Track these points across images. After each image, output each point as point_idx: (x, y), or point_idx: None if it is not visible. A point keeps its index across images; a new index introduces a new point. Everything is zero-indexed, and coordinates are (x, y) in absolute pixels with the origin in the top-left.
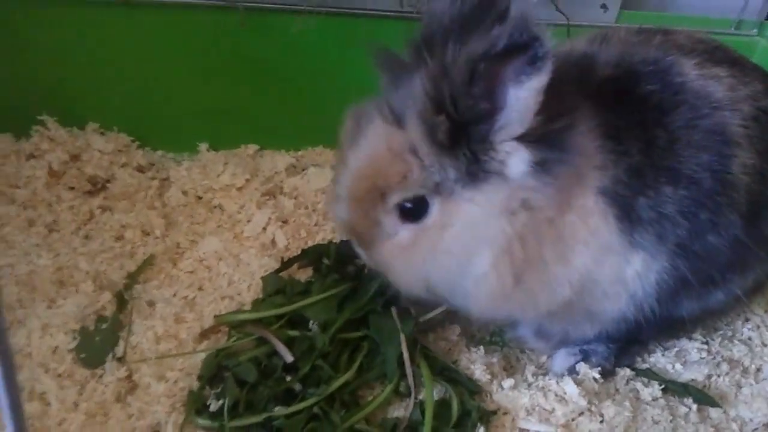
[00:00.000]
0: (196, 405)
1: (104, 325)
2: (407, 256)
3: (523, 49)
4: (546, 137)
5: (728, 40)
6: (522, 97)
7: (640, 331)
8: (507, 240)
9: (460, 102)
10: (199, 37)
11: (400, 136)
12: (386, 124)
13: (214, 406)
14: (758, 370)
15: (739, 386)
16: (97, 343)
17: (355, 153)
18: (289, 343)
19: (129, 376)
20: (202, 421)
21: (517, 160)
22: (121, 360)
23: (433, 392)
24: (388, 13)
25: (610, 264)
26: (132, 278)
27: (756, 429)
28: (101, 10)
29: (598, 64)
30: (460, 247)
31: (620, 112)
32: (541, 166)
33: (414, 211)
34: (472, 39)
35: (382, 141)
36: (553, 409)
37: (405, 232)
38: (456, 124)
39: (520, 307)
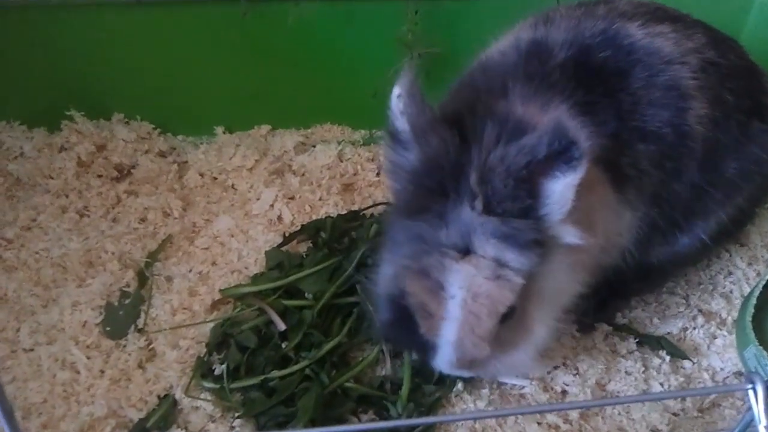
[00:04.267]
0: (202, 369)
1: (127, 301)
2: (509, 348)
3: (561, 153)
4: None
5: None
6: (558, 191)
7: (619, 282)
8: (576, 261)
9: (509, 207)
10: (208, 28)
11: (483, 262)
12: (462, 261)
13: (218, 370)
14: (735, 321)
15: (714, 337)
16: (121, 317)
17: (459, 303)
18: (284, 312)
19: (148, 345)
20: (207, 384)
21: (569, 236)
22: (141, 331)
23: (412, 353)
24: None
25: (613, 222)
26: (152, 256)
27: (726, 377)
28: (119, 11)
29: (553, 48)
30: (553, 304)
31: (586, 87)
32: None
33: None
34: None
35: (477, 278)
36: None
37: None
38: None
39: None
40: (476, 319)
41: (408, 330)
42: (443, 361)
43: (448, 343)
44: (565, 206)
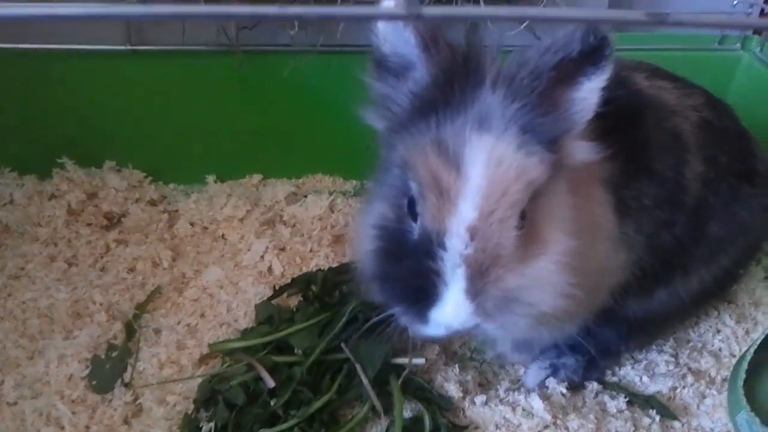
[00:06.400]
0: (189, 427)
1: (114, 354)
2: (528, 260)
3: (593, 51)
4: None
5: (712, 56)
6: (582, 98)
7: (607, 339)
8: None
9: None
10: (202, 78)
11: (506, 136)
12: (483, 134)
13: (205, 428)
14: (724, 380)
15: (703, 397)
16: (108, 371)
17: (481, 170)
18: (274, 368)
19: (135, 401)
20: None
21: (581, 153)
22: (128, 385)
23: (402, 411)
24: None
25: (614, 255)
26: (141, 308)
27: None
28: (112, 59)
29: None
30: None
31: (601, 117)
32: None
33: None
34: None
35: (500, 145)
36: (520, 424)
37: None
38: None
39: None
40: (500, 190)
41: (403, 268)
42: (454, 264)
43: (464, 230)
44: (588, 114)
